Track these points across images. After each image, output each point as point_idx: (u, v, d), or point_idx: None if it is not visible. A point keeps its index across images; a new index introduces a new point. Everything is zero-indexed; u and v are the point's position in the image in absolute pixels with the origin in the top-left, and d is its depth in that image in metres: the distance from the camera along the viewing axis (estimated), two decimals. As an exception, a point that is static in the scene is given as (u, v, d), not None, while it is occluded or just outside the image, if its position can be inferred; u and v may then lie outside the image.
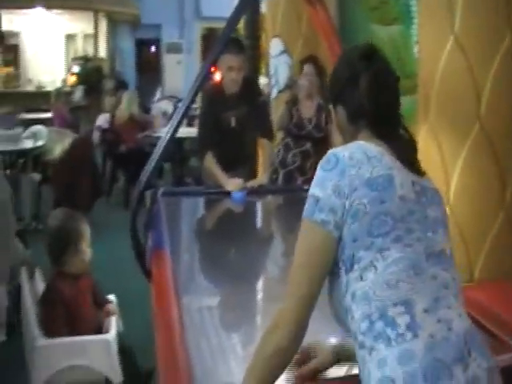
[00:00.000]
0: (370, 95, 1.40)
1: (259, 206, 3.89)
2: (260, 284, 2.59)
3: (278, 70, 5.41)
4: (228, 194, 3.47)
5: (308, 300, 1.30)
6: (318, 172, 1.35)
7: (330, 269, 1.32)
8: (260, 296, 2.46)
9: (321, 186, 1.31)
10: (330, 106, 1.53)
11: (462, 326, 1.28)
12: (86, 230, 2.48)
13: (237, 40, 3.76)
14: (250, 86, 3.78)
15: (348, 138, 1.46)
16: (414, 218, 1.32)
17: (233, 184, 3.47)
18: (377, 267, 1.27)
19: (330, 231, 1.29)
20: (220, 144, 3.69)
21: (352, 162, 1.32)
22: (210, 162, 3.62)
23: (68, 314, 2.37)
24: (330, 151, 1.37)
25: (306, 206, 1.33)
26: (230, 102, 3.70)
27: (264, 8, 5.88)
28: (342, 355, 1.54)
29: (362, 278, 1.28)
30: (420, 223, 1.33)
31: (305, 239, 1.32)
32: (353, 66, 1.43)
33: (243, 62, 3.63)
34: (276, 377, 1.32)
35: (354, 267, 1.28)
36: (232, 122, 3.75)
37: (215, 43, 3.04)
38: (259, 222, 3.71)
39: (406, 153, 1.40)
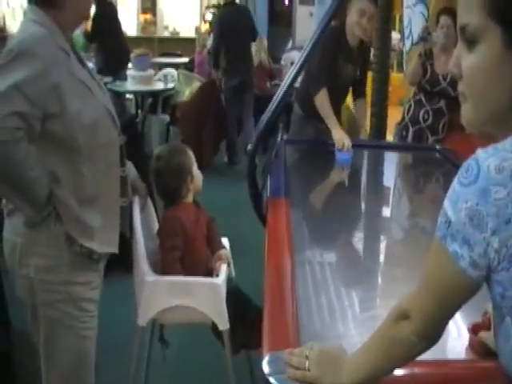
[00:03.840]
0: None
1: (384, 162, 3.71)
2: (376, 244, 2.44)
3: (412, 21, 5.09)
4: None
5: (433, 317, 1.00)
6: (454, 183, 0.91)
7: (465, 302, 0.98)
8: (376, 257, 2.32)
9: (454, 205, 0.90)
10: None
11: None
12: (192, 154, 2.51)
13: None
14: (365, 52, 3.76)
15: (499, 83, 0.90)
16: None
17: (340, 136, 3.28)
18: None
19: (463, 269, 0.91)
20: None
21: (501, 178, 0.85)
22: (325, 99, 3.41)
23: (184, 246, 2.35)
24: (474, 154, 0.90)
25: (439, 221, 0.94)
26: (346, 54, 3.54)
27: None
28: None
29: None
30: None
31: (432, 261, 0.98)
32: None
33: (375, 13, 3.47)
34: (393, 367, 1.09)
35: None
36: (342, 73, 3.60)
37: None
38: (383, 179, 3.53)
39: None
